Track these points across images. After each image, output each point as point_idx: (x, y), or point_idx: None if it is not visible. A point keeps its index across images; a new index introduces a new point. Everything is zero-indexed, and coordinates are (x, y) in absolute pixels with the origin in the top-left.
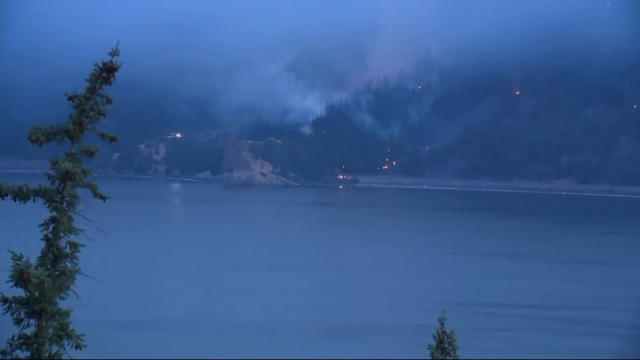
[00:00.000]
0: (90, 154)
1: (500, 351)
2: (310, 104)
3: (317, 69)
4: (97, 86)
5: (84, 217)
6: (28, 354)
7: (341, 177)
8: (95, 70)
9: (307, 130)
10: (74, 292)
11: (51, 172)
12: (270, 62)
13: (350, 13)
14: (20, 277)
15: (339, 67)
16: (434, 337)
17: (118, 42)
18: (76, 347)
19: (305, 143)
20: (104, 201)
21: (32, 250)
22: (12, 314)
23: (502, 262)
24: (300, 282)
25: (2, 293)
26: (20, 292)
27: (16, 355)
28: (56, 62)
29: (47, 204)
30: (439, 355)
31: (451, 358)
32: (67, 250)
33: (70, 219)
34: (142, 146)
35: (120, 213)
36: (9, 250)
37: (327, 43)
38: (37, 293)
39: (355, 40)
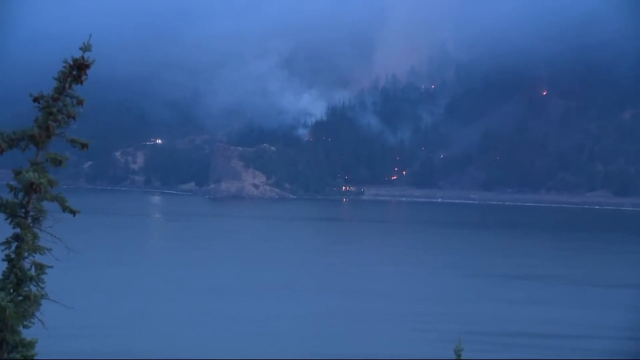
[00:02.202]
0: (58, 162)
1: None
2: (308, 105)
3: (316, 65)
4: (67, 86)
5: (51, 235)
6: None
7: (344, 188)
8: (64, 67)
9: (305, 135)
10: (40, 320)
11: (14, 183)
12: (262, 56)
13: None
14: None
15: (341, 62)
16: None
17: (90, 35)
18: None
19: (303, 150)
20: (74, 216)
21: None
22: None
23: (525, 285)
24: (297, 309)
25: None
26: None
27: None
28: (19, 57)
29: (10, 219)
30: None
31: None
32: (32, 272)
33: (35, 236)
34: (117, 154)
35: (92, 229)
36: None
37: (327, 34)
38: None
39: (360, 31)
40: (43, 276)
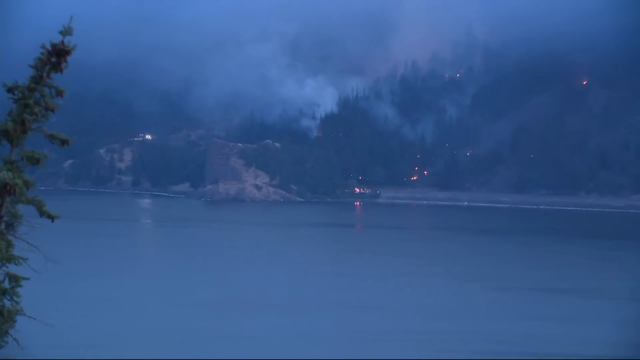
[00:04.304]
0: (35, 161)
1: None
2: (316, 96)
3: (325, 50)
4: (45, 74)
5: (27, 242)
6: None
7: (357, 190)
8: (41, 53)
9: (313, 129)
10: (15, 338)
11: None
12: (263, 40)
13: None
14: None
15: (353, 46)
16: None
17: (71, 17)
18: None
19: (311, 146)
20: (53, 221)
21: None
22: None
23: (562, 300)
24: (303, 326)
25: None
26: None
27: None
28: None
29: None
30: None
31: None
32: (6, 284)
33: (9, 244)
34: (102, 151)
35: (73, 237)
36: None
37: (337, 14)
38: None
39: (375, 10)
40: (18, 289)
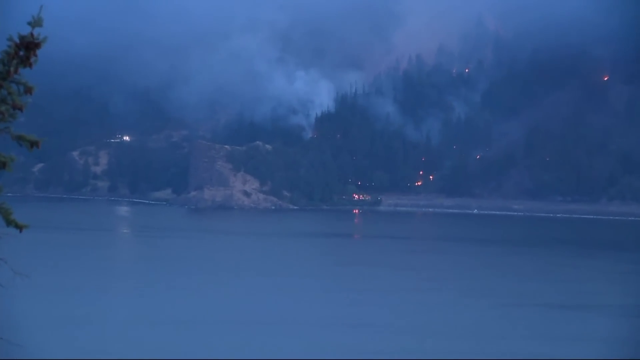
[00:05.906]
0: (1, 165)
1: None
2: (311, 93)
3: (320, 42)
4: (12, 69)
5: None
6: None
7: (356, 197)
8: (9, 46)
9: (307, 130)
10: None
11: None
12: (252, 31)
13: None
14: None
15: (352, 38)
16: None
17: (41, 6)
18: None
19: (306, 149)
20: (21, 231)
21: None
22: None
23: (582, 317)
24: (297, 347)
25: None
26: None
27: None
28: None
29: None
30: None
31: None
32: None
33: None
34: (75, 154)
35: (43, 248)
36: None
37: (334, 2)
38: None
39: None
40: None
